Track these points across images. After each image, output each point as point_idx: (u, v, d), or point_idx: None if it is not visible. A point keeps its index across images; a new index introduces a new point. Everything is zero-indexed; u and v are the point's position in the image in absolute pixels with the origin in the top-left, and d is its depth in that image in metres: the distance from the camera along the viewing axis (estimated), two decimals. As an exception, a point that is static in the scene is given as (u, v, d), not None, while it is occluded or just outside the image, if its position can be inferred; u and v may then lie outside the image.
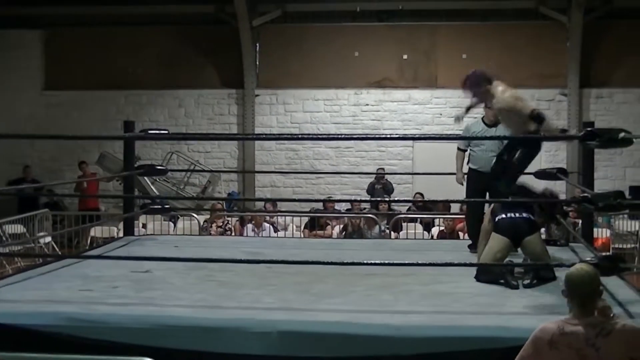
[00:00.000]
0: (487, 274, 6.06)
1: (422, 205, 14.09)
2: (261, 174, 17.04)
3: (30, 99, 17.51)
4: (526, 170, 8.52)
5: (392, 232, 12.24)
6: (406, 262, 6.40)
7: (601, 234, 12.28)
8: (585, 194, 5.91)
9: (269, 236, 11.62)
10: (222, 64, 17.18)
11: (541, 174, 8.51)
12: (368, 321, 4.86)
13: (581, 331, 3.75)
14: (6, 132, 15.35)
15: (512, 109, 6.63)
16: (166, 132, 8.16)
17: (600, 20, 16.02)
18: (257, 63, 17.06)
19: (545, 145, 15.59)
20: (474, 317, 5.01)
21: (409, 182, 16.31)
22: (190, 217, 13.34)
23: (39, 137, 17.83)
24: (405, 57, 16.72)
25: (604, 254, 6.44)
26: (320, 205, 13.85)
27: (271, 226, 12.45)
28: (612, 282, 5.51)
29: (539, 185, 7.53)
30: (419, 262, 6.45)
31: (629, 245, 13.04)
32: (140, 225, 12.29)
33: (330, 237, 12.04)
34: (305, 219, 12.94)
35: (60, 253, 12.13)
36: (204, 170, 16.25)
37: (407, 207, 14.45)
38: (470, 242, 7.70)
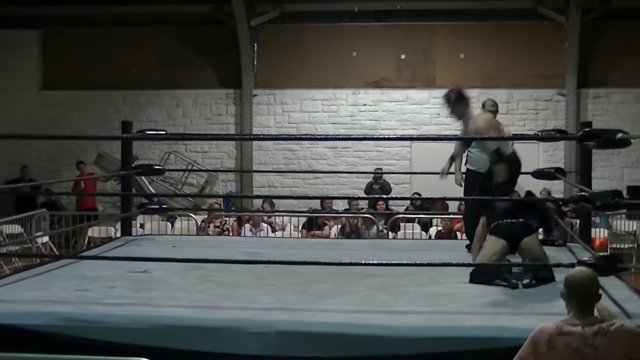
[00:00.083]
0: (483, 274, 6.05)
1: (420, 205, 14.09)
2: (259, 173, 17.03)
3: (28, 99, 17.48)
4: (525, 170, 8.55)
5: (390, 232, 12.24)
6: (404, 262, 6.40)
7: (599, 234, 12.28)
8: (583, 194, 5.91)
9: (267, 236, 11.61)
10: (220, 64, 17.17)
11: (539, 174, 8.52)
12: (366, 321, 4.86)
13: (580, 331, 3.75)
14: (4, 132, 15.37)
15: (482, 134, 6.61)
16: (164, 132, 8.13)
17: (598, 20, 16.02)
18: (255, 63, 17.05)
19: (543, 145, 15.63)
20: (472, 317, 5.01)
21: (406, 182, 16.30)
22: (187, 217, 13.33)
23: (36, 138, 17.80)
24: (403, 57, 16.72)
25: (601, 254, 6.45)
26: (318, 206, 13.84)
27: (269, 226, 12.45)
28: (610, 282, 5.51)
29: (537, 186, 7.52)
30: (417, 262, 6.45)
31: (626, 245, 13.06)
32: (138, 225, 12.29)
33: (328, 237, 12.04)
34: (303, 219, 12.94)
35: (57, 253, 12.14)
36: (201, 170, 16.25)
37: (405, 207, 14.44)
38: (468, 242, 7.70)
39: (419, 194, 14.72)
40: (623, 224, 13.23)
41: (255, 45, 17.01)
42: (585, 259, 5.43)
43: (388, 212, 13.10)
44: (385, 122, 16.64)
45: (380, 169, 15.55)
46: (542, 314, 5.03)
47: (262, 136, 17.54)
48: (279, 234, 12.41)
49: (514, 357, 3.94)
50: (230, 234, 12.37)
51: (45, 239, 12.39)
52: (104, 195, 16.40)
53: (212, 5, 16.78)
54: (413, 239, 11.52)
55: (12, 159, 16.92)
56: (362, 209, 13.43)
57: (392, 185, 15.66)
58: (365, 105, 16.82)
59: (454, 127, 14.79)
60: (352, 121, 16.75)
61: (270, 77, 16.97)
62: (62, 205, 16.65)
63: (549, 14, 16.07)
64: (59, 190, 14.89)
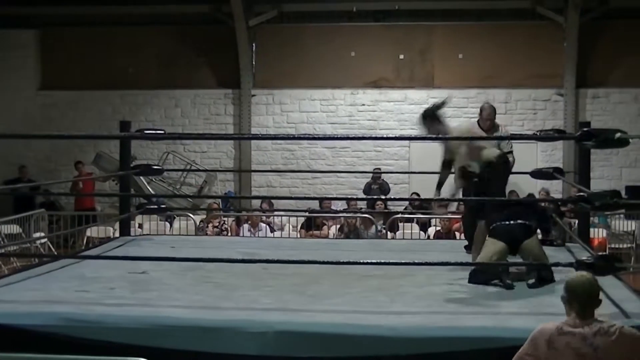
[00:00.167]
0: (481, 274, 6.05)
1: (418, 205, 14.09)
2: (257, 173, 17.03)
3: (26, 98, 17.47)
4: (524, 170, 8.55)
5: (388, 232, 12.24)
6: (403, 262, 6.40)
7: (597, 233, 12.29)
8: (582, 194, 5.92)
9: (265, 236, 11.61)
10: (219, 64, 17.16)
11: (537, 174, 8.53)
12: (365, 321, 4.87)
13: (580, 331, 3.76)
14: (2, 132, 15.32)
15: (455, 149, 6.66)
16: (162, 132, 8.13)
17: (597, 20, 16.02)
18: (254, 63, 17.04)
19: (542, 145, 15.63)
20: (471, 317, 5.01)
21: (405, 182, 16.29)
22: (186, 217, 13.33)
23: (35, 137, 17.79)
24: (401, 57, 16.71)
25: (600, 253, 6.46)
26: (316, 206, 13.84)
27: (267, 226, 12.45)
28: (608, 282, 5.52)
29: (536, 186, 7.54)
30: (416, 262, 6.45)
31: (625, 245, 13.07)
32: (137, 225, 12.27)
33: (326, 237, 12.04)
34: (302, 219, 12.93)
35: (56, 253, 12.13)
36: (200, 170, 16.24)
37: (404, 207, 14.44)
38: (466, 242, 7.70)
39: (417, 194, 14.71)
40: (622, 224, 13.23)
41: (254, 45, 17.00)
42: (584, 258, 5.43)
43: (386, 212, 13.10)
44: (383, 122, 16.64)
45: (379, 169, 15.55)
46: (540, 314, 5.04)
47: (260, 136, 17.53)
48: (277, 234, 12.41)
49: (512, 357, 3.95)
50: (229, 234, 12.37)
51: (44, 239, 12.38)
52: (103, 195, 16.39)
53: (210, 5, 16.77)
54: (412, 239, 11.53)
55: (10, 159, 16.90)
56: (361, 208, 13.44)
57: (390, 185, 15.66)
58: (363, 105, 16.81)
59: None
60: (351, 121, 16.75)
61: (268, 77, 16.96)
62: (60, 206, 16.65)
63: (547, 14, 16.07)
64: (57, 191, 14.87)
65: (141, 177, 14.37)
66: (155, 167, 10.20)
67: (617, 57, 16.04)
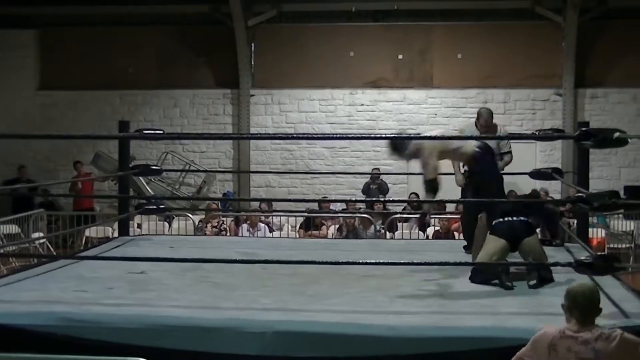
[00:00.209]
0: (483, 274, 6.05)
1: (417, 205, 14.08)
2: (256, 174, 17.02)
3: (26, 98, 17.46)
4: (523, 171, 8.56)
5: (387, 232, 12.24)
6: (402, 262, 6.40)
7: (596, 233, 12.29)
8: (581, 194, 5.92)
9: (264, 236, 11.60)
10: (217, 64, 17.15)
11: (536, 174, 8.53)
12: (364, 321, 4.86)
13: (581, 336, 3.78)
14: (1, 132, 15.33)
15: (426, 162, 6.65)
16: (161, 132, 8.13)
17: (596, 20, 16.02)
18: (253, 63, 17.04)
19: (541, 145, 15.63)
20: (470, 317, 5.01)
21: (404, 182, 16.28)
22: (185, 217, 13.33)
23: (34, 137, 17.77)
24: (400, 57, 16.71)
25: (599, 253, 6.46)
26: (315, 206, 13.85)
27: (266, 226, 12.44)
28: (607, 282, 5.52)
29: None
30: (415, 262, 6.45)
31: (624, 245, 13.07)
32: (135, 225, 12.26)
33: (325, 237, 12.03)
34: (301, 219, 12.93)
35: (55, 253, 12.13)
36: (199, 170, 16.23)
37: (403, 207, 14.44)
38: (465, 242, 7.71)
39: (416, 194, 14.68)
40: (620, 224, 13.24)
41: (253, 45, 16.99)
42: (583, 258, 5.43)
43: (385, 212, 13.10)
44: (382, 122, 16.63)
45: (378, 169, 15.55)
46: (540, 314, 5.05)
47: (259, 135, 17.53)
48: (276, 234, 12.41)
49: (511, 357, 3.96)
50: (228, 234, 12.37)
51: (43, 239, 12.37)
52: (102, 197, 16.38)
53: (209, 5, 16.76)
54: (410, 239, 11.53)
55: (9, 159, 16.90)
56: (360, 209, 13.43)
57: (389, 185, 15.66)
58: (362, 105, 16.81)
59: (451, 126, 14.88)
60: (350, 121, 16.74)
61: (267, 77, 16.95)
62: (59, 206, 16.63)
63: (546, 14, 16.07)
64: (56, 191, 14.86)
65: (140, 177, 14.37)
66: (154, 167, 10.21)
67: (616, 57, 16.04)
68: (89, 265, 6.74)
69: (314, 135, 16.92)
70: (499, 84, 16.25)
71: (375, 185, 15.40)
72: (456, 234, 11.31)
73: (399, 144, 6.82)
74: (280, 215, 13.32)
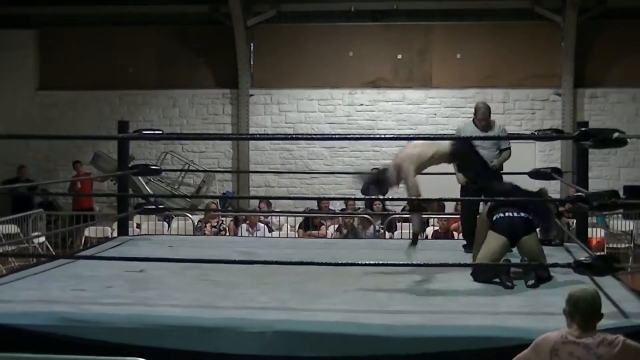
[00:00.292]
0: (485, 272, 6.06)
1: (417, 204, 14.03)
2: (255, 174, 17.01)
3: (25, 99, 17.45)
4: (522, 171, 8.56)
5: (386, 232, 12.24)
6: (401, 262, 6.40)
7: (596, 233, 12.29)
8: (580, 193, 5.92)
9: (264, 236, 11.60)
10: (217, 64, 17.15)
11: (535, 174, 8.53)
12: (363, 321, 4.86)
13: (583, 341, 3.79)
14: (1, 132, 15.32)
15: (406, 180, 6.61)
16: (160, 132, 8.13)
17: (595, 20, 16.02)
18: (252, 63, 17.03)
19: (540, 145, 15.63)
20: (469, 317, 5.01)
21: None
22: (184, 217, 13.32)
23: (33, 137, 17.77)
24: (399, 57, 16.71)
25: (598, 253, 6.46)
26: (314, 206, 13.84)
27: (265, 226, 12.44)
28: (606, 282, 5.52)
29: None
30: (414, 262, 6.45)
31: (623, 245, 13.07)
32: (135, 225, 12.26)
33: (324, 237, 12.04)
34: (300, 219, 12.93)
35: (54, 253, 12.12)
36: (198, 170, 16.23)
37: (402, 207, 14.43)
38: (464, 242, 7.71)
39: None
40: (620, 224, 13.24)
41: (252, 45, 16.99)
42: (582, 258, 5.43)
43: (385, 212, 13.09)
44: (381, 122, 16.63)
45: (377, 169, 15.51)
46: (539, 314, 5.05)
47: (258, 136, 17.53)
48: (275, 233, 12.40)
49: (511, 357, 3.97)
50: (227, 234, 12.36)
51: (42, 238, 12.37)
52: (101, 195, 16.38)
53: (208, 5, 16.76)
54: (410, 238, 11.49)
55: (9, 159, 16.89)
56: (359, 208, 13.42)
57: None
58: (361, 105, 16.80)
59: (450, 126, 14.88)
60: (349, 121, 16.74)
61: (266, 77, 16.95)
62: (58, 205, 16.63)
63: (545, 14, 16.07)
64: (55, 191, 14.86)
65: (139, 177, 14.36)
66: (153, 167, 10.20)
67: (615, 57, 16.04)
68: (88, 264, 6.73)
69: (313, 136, 16.90)
70: (498, 84, 16.24)
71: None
72: (455, 233, 11.32)
73: (381, 181, 6.98)
74: (279, 215, 13.31)
